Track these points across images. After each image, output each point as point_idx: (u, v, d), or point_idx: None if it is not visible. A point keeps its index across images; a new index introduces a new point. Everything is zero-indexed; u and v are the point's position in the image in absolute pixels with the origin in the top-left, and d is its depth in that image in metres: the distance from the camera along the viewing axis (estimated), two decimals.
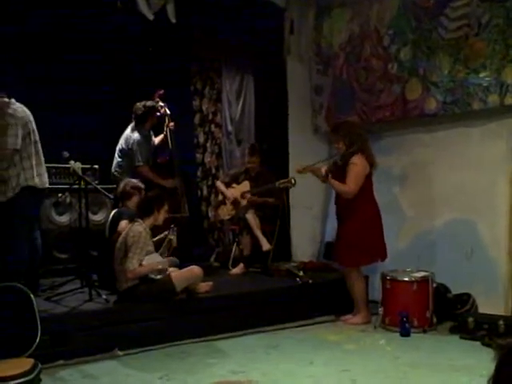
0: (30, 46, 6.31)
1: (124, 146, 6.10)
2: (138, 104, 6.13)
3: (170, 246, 5.04)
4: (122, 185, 5.45)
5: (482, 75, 5.24)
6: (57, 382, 3.91)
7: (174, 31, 6.60)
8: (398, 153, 6.00)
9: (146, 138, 6.17)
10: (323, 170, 5.31)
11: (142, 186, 5.45)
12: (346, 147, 5.24)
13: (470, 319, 4.80)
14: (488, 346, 4.43)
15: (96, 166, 6.13)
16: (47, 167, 5.04)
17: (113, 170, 6.16)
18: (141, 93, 6.36)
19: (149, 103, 6.16)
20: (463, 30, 5.36)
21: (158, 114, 6.30)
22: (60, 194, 5.60)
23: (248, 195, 6.31)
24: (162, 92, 6.35)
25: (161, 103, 6.32)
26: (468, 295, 5.23)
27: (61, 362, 4.19)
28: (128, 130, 6.16)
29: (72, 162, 5.11)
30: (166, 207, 4.98)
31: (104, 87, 6.70)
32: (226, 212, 6.53)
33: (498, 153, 5.24)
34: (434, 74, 5.58)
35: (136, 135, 6.06)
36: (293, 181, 5.87)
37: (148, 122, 6.19)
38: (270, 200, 6.31)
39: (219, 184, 6.72)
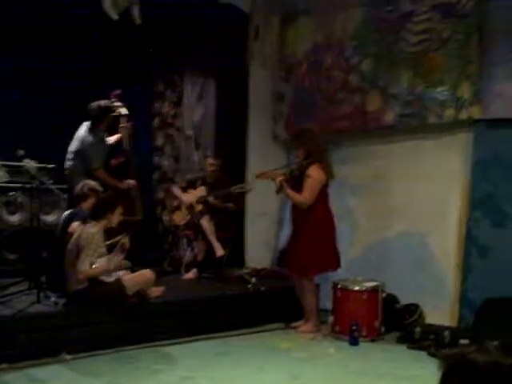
0: None
1: (79, 147, 5.95)
2: (93, 104, 6.00)
3: (123, 250, 4.98)
4: (79, 186, 5.36)
5: (439, 89, 5.34)
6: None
7: (138, 32, 6.57)
8: (354, 163, 6.05)
9: (101, 140, 6.06)
10: (277, 181, 5.26)
11: (100, 188, 5.37)
12: (304, 156, 5.26)
13: (417, 329, 4.87)
14: (434, 356, 4.50)
15: (51, 166, 6.03)
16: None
17: (66, 170, 6.03)
18: (101, 92, 6.27)
19: (103, 103, 6.02)
20: (424, 44, 5.46)
21: (114, 114, 6.20)
22: (11, 193, 5.49)
23: (211, 199, 6.27)
24: (118, 92, 6.25)
25: (116, 103, 6.23)
26: (416, 306, 5.30)
27: (6, 365, 4.10)
28: (82, 131, 6.01)
29: (27, 160, 5.01)
30: (119, 210, 4.91)
31: (64, 86, 6.59)
32: (181, 217, 6.50)
33: (451, 166, 5.34)
34: (393, 86, 5.66)
35: (91, 137, 5.93)
36: (248, 186, 5.88)
37: (103, 123, 6.07)
38: (231, 205, 6.31)
39: (175, 189, 6.68)
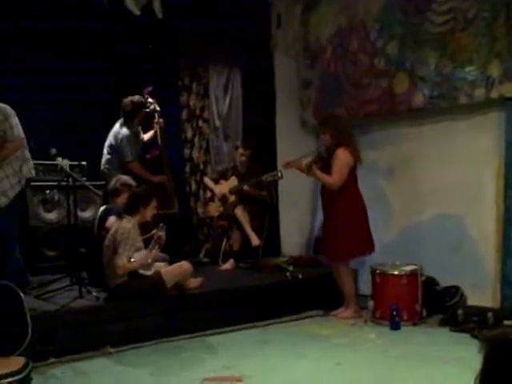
0: (15, 41, 6.26)
1: (113, 142, 6.07)
2: (126, 100, 6.10)
3: (159, 244, 5.02)
4: (112, 181, 5.43)
5: (468, 69, 5.26)
6: (49, 380, 3.90)
7: (161, 27, 6.59)
8: (384, 147, 6.01)
9: (134, 134, 6.14)
10: (307, 162, 5.31)
11: (134, 183, 5.43)
12: (331, 140, 5.27)
13: (460, 312, 4.84)
14: (477, 338, 4.47)
15: (84, 163, 6.10)
16: (35, 164, 5.01)
17: (102, 166, 6.13)
18: (129, 88, 6.32)
19: (136, 99, 6.13)
20: (450, 25, 5.37)
21: (147, 110, 6.28)
22: (48, 191, 5.56)
23: (245, 187, 6.28)
24: (150, 89, 6.32)
25: (150, 100, 6.30)
26: (456, 288, 5.26)
27: (52, 360, 4.18)
28: (116, 126, 6.13)
29: (59, 158, 5.08)
30: (153, 203, 4.96)
31: (92, 83, 6.65)
32: (214, 208, 6.54)
33: (484, 146, 5.28)
34: (420, 68, 5.59)
35: (125, 131, 6.04)
36: (279, 174, 5.90)
37: (136, 118, 6.16)
38: (263, 193, 6.33)
39: (207, 180, 6.72)
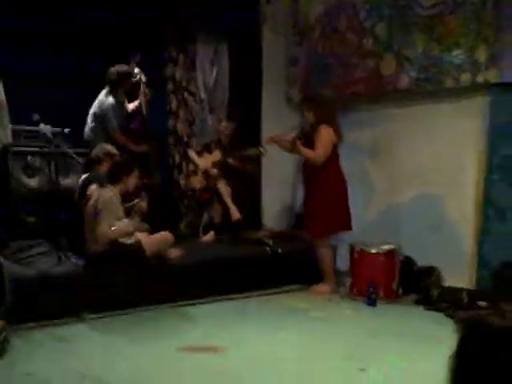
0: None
1: (97, 110, 6.01)
2: (112, 69, 6.02)
3: (141, 213, 5.03)
4: (95, 150, 5.40)
5: (455, 53, 5.30)
6: (26, 343, 3.90)
7: None
8: (369, 127, 6.05)
9: (119, 103, 6.09)
10: (290, 137, 5.36)
11: (116, 152, 5.40)
12: (314, 117, 5.31)
13: (435, 291, 4.94)
14: (451, 317, 4.55)
15: (67, 130, 6.03)
16: (17, 130, 4.95)
17: (85, 135, 6.06)
18: (114, 57, 6.25)
19: (122, 68, 6.06)
20: (438, 8, 5.40)
21: (133, 79, 6.21)
22: (29, 157, 5.51)
23: (230, 160, 6.27)
24: (138, 58, 6.25)
25: (136, 69, 6.23)
26: (433, 268, 5.34)
27: (31, 324, 4.18)
28: (102, 95, 6.05)
29: (42, 124, 5.03)
30: (135, 173, 4.95)
31: (77, 51, 6.56)
32: (197, 181, 6.52)
33: (467, 130, 5.33)
34: (408, 50, 5.62)
35: (110, 100, 5.97)
36: (262, 150, 5.90)
37: (122, 88, 6.09)
38: (248, 167, 6.32)
39: (191, 153, 6.70)
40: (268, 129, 6.51)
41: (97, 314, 4.48)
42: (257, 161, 6.37)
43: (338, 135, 5.34)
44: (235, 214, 6.17)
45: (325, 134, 5.24)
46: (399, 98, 5.83)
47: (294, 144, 5.35)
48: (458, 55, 5.30)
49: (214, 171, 6.34)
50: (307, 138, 5.36)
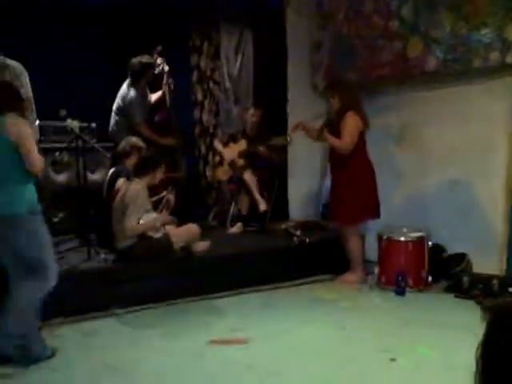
0: (27, 5, 6.18)
1: (121, 103, 6.01)
2: (134, 60, 5.98)
3: (169, 206, 5.05)
4: (121, 143, 5.42)
5: (483, 32, 5.15)
6: (56, 339, 3.96)
7: None
8: (396, 110, 5.95)
9: (142, 96, 6.07)
10: (316, 126, 5.29)
11: (143, 144, 5.41)
12: (340, 104, 5.24)
13: (465, 278, 4.86)
14: (481, 305, 4.49)
15: (94, 125, 6.07)
16: (45, 125, 4.99)
17: (110, 128, 6.09)
18: (139, 49, 6.24)
19: (144, 59, 6.02)
20: None
21: (156, 70, 6.20)
22: (57, 153, 5.57)
23: (261, 148, 6.22)
24: (160, 48, 6.23)
25: (159, 60, 6.22)
26: (463, 255, 5.25)
27: (60, 319, 4.25)
28: (124, 88, 6.04)
29: (69, 120, 5.07)
30: (162, 167, 4.97)
31: (102, 44, 6.59)
32: (223, 172, 6.52)
33: (497, 111, 5.20)
34: (435, 30, 5.49)
35: (132, 93, 5.96)
36: (288, 138, 5.86)
37: (144, 79, 6.05)
38: (274, 156, 6.28)
39: (217, 144, 6.69)
40: (294, 117, 6.43)
41: (126, 308, 4.54)
42: (283, 150, 6.32)
43: (365, 122, 5.26)
44: (262, 204, 6.15)
45: (351, 122, 5.17)
46: (426, 80, 5.71)
47: (321, 133, 5.29)
48: (486, 34, 5.15)
49: (240, 161, 6.32)
50: (333, 125, 5.29)
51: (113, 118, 6.06)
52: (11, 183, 3.53)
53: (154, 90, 6.31)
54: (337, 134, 5.22)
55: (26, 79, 4.64)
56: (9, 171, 3.52)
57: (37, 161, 3.56)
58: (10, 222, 3.50)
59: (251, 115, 6.48)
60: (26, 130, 3.55)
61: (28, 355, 3.56)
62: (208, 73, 7.51)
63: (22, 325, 3.54)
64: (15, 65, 4.65)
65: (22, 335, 3.54)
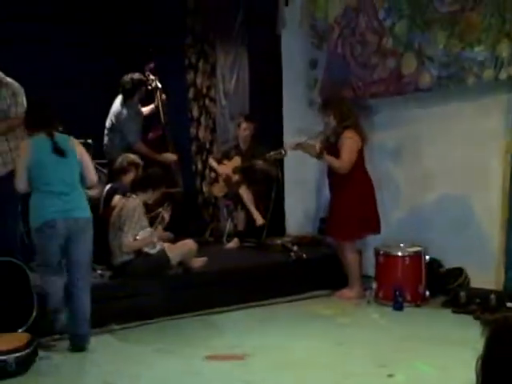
0: (20, 18, 6.22)
1: (114, 121, 5.98)
2: (125, 77, 5.97)
3: (163, 223, 5.04)
4: (119, 160, 5.43)
5: (477, 50, 5.20)
6: (53, 355, 3.95)
7: (168, 3, 6.52)
8: (392, 128, 5.97)
9: (136, 113, 6.07)
10: (317, 147, 5.31)
11: (141, 162, 5.42)
12: (336, 122, 5.26)
13: (462, 293, 4.86)
14: (480, 319, 4.48)
15: (90, 141, 6.08)
16: None
17: (104, 145, 6.09)
18: (133, 65, 6.28)
19: (136, 76, 6.01)
20: (459, 4, 5.30)
21: (149, 87, 6.22)
22: None
23: (259, 163, 6.20)
24: (152, 65, 6.26)
25: (151, 76, 6.24)
26: (460, 270, 5.25)
27: (57, 336, 4.22)
28: (117, 105, 6.01)
29: None
30: (162, 189, 5.01)
31: (98, 61, 6.62)
32: (219, 189, 6.53)
33: (491, 128, 5.23)
34: (429, 48, 5.53)
35: (125, 111, 5.94)
36: (283, 152, 5.88)
37: (136, 96, 6.06)
38: (271, 170, 6.28)
39: (211, 161, 6.69)
40: (290, 133, 6.48)
41: (122, 325, 4.52)
42: (278, 164, 6.34)
43: (363, 138, 5.29)
44: (259, 219, 6.15)
45: (349, 142, 5.19)
46: (421, 97, 5.74)
47: (320, 154, 5.30)
48: (480, 51, 5.20)
49: (235, 177, 6.33)
50: (331, 145, 5.30)
51: (106, 136, 6.05)
52: (81, 190, 4.15)
53: (144, 105, 6.32)
54: (335, 151, 5.23)
55: (22, 97, 4.67)
56: (78, 181, 4.11)
57: (94, 176, 4.29)
58: (89, 223, 4.12)
59: (243, 129, 6.48)
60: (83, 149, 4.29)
61: None
62: (204, 90, 7.55)
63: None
64: (13, 83, 4.68)
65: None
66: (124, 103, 5.99)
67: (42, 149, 3.98)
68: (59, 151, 3.99)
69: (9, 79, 4.73)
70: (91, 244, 4.15)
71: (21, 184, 4.00)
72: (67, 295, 4.07)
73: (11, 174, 4.32)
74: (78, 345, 4.03)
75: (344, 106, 5.40)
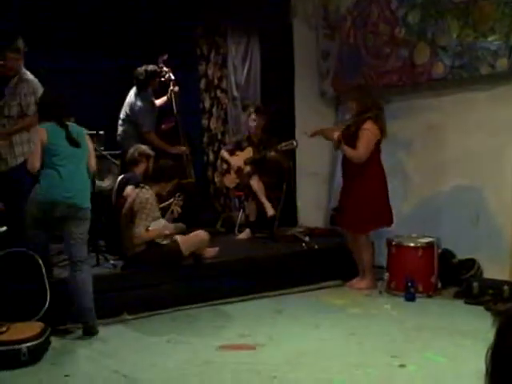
0: (31, 13, 6.23)
1: (129, 112, 6.05)
2: (139, 69, 6.03)
3: (175, 214, 5.06)
4: (131, 151, 5.45)
5: (490, 39, 5.16)
6: (66, 345, 3.99)
7: None
8: (404, 117, 5.94)
9: (150, 104, 6.11)
10: (336, 136, 5.28)
11: (152, 153, 5.44)
12: (359, 110, 5.22)
13: (475, 284, 4.83)
14: (492, 310, 4.46)
15: (102, 132, 6.10)
16: None
17: (118, 136, 6.13)
18: (146, 57, 6.29)
19: (150, 68, 6.05)
20: None
21: (162, 79, 6.25)
22: None
23: (271, 153, 6.19)
24: (165, 57, 6.27)
25: (165, 68, 6.26)
26: (473, 261, 5.23)
27: (69, 325, 4.26)
28: (131, 96, 6.08)
29: None
30: (174, 181, 5.02)
31: (110, 53, 6.63)
32: (230, 180, 6.52)
33: (505, 118, 5.19)
34: (442, 37, 5.50)
35: (140, 102, 6.00)
36: (294, 143, 5.86)
37: (150, 87, 6.11)
38: (283, 161, 6.26)
39: (223, 152, 6.69)
40: (302, 123, 6.47)
41: (135, 315, 4.55)
42: (290, 155, 6.32)
43: (383, 130, 5.23)
44: (270, 210, 6.14)
45: (367, 134, 5.14)
46: (434, 87, 5.72)
47: (338, 144, 5.27)
48: (493, 41, 5.15)
49: (247, 168, 6.33)
50: (350, 134, 5.25)
51: (120, 126, 6.10)
52: (87, 180, 4.35)
53: (157, 96, 6.35)
54: (353, 141, 5.20)
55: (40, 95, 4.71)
56: (85, 171, 4.32)
57: (95, 163, 4.49)
58: (87, 213, 4.26)
59: (252, 120, 6.46)
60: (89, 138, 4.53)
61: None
62: (215, 81, 7.55)
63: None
64: (33, 80, 4.75)
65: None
66: (138, 94, 6.03)
67: (57, 135, 4.19)
68: (74, 142, 4.22)
69: (30, 75, 4.78)
70: (86, 234, 4.30)
71: (36, 163, 4.15)
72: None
73: (23, 165, 4.43)
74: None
75: (371, 97, 5.31)
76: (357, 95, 5.31)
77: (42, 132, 4.19)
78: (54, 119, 4.22)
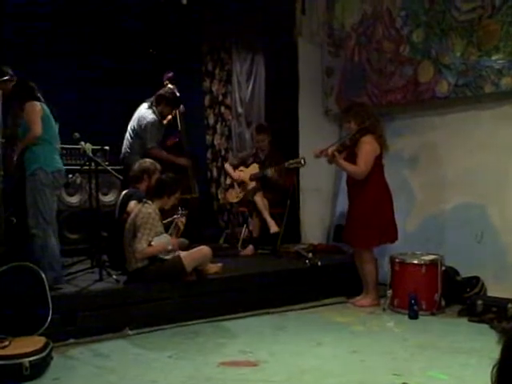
0: (39, 26, 6.30)
1: (136, 126, 6.04)
2: (169, 87, 6.16)
3: (178, 229, 5.05)
4: (135, 166, 5.44)
5: (494, 58, 5.18)
6: (68, 360, 3.96)
7: (185, 12, 6.57)
8: (408, 135, 5.97)
9: (159, 121, 6.13)
10: (330, 151, 5.28)
11: (157, 167, 5.44)
12: (356, 128, 5.22)
13: (479, 302, 4.80)
14: (496, 328, 4.42)
15: (106, 147, 6.14)
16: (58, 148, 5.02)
17: (123, 150, 6.11)
18: (151, 74, 6.34)
19: (170, 92, 6.16)
20: (477, 12, 5.29)
21: (170, 116, 6.30)
22: (70, 175, 5.63)
23: (270, 172, 6.21)
24: (171, 74, 6.32)
25: (170, 85, 6.30)
26: (477, 278, 5.21)
27: (71, 340, 4.25)
28: (142, 110, 6.08)
29: (82, 143, 5.14)
30: (177, 195, 5.01)
31: (114, 69, 6.69)
32: (234, 195, 6.54)
33: (509, 136, 5.20)
34: (446, 56, 5.53)
35: (151, 116, 6.02)
36: (302, 161, 5.88)
37: (163, 107, 6.14)
38: (287, 179, 6.28)
39: (227, 166, 6.71)
40: (306, 141, 6.50)
41: (137, 330, 4.52)
42: (295, 173, 6.33)
43: (382, 145, 5.23)
44: (273, 227, 6.15)
45: (367, 148, 5.14)
46: (438, 105, 5.74)
47: (332, 158, 5.26)
48: (497, 59, 5.18)
49: (251, 184, 6.34)
50: (348, 151, 5.26)
51: (126, 140, 6.09)
52: None
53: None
54: (353, 158, 5.20)
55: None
56: None
57: None
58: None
59: (257, 141, 6.49)
60: None
61: None
62: (220, 97, 7.59)
63: None
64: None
65: None
66: (151, 108, 6.05)
67: (48, 111, 4.65)
68: (55, 118, 4.70)
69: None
70: None
71: (40, 129, 4.50)
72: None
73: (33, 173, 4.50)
74: None
75: (366, 112, 5.32)
76: (353, 113, 5.31)
77: (39, 106, 4.56)
78: (38, 99, 4.60)
